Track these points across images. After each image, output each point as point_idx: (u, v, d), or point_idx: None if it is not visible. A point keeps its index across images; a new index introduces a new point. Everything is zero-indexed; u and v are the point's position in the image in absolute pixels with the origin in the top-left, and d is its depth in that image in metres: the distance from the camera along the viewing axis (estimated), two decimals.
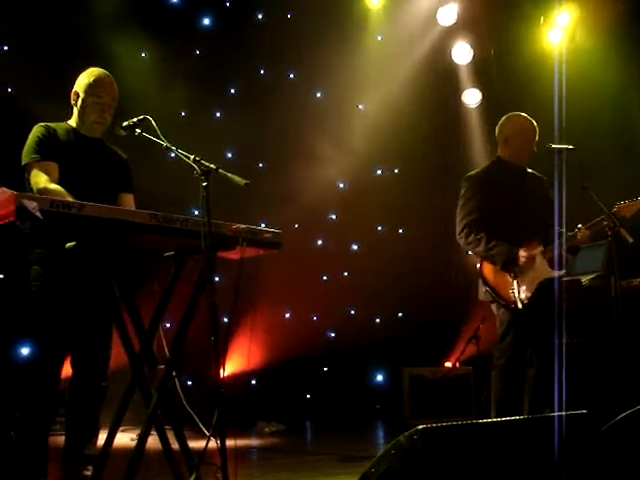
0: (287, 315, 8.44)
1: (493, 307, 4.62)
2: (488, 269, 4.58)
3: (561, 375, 4.09)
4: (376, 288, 8.50)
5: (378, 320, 8.89)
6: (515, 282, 4.44)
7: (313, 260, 8.40)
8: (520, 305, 4.38)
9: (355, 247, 8.99)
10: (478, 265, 4.65)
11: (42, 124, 3.74)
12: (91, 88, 3.78)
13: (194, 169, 3.28)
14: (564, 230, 4.53)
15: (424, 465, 2.41)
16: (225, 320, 6.92)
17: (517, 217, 4.56)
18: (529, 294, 4.42)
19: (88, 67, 3.94)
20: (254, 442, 6.25)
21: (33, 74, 6.62)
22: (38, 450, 3.49)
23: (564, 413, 2.59)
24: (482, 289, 4.60)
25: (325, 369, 8.54)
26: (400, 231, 9.12)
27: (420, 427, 2.43)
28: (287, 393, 7.87)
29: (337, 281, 8.71)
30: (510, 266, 4.47)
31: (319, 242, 8.83)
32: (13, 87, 6.93)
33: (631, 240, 4.38)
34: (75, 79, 3.90)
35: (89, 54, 6.83)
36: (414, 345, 8.14)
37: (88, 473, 3.59)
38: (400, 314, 8.90)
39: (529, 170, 4.79)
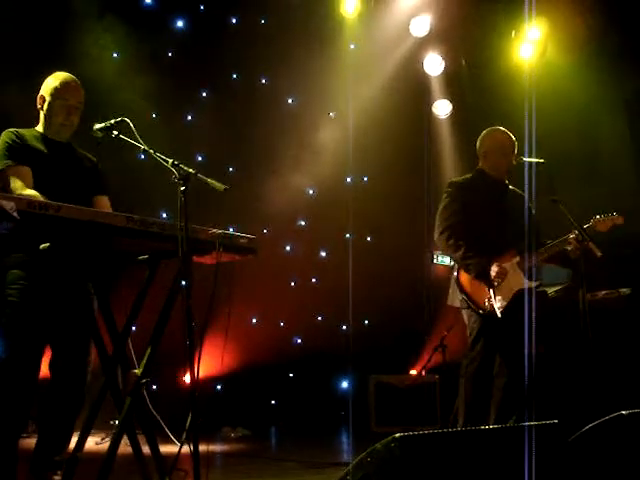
0: (254, 320, 8.40)
1: (464, 314, 4.68)
2: (464, 276, 4.66)
3: (530, 384, 4.15)
4: (343, 295, 8.48)
5: (345, 327, 8.90)
6: (491, 291, 4.50)
7: (281, 266, 8.38)
8: (499, 313, 4.45)
9: (323, 254, 9.00)
10: (455, 272, 4.72)
11: (11, 130, 3.71)
12: (57, 91, 3.76)
13: (172, 173, 3.27)
14: (550, 241, 4.61)
15: (401, 473, 2.43)
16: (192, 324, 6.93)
17: (495, 226, 4.65)
18: (504, 303, 4.49)
19: (58, 68, 3.92)
20: (220, 447, 6.21)
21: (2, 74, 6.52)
22: (8, 454, 3.43)
23: (538, 423, 2.64)
24: (456, 295, 4.68)
25: (291, 375, 8.51)
26: (368, 239, 9.15)
27: (397, 435, 2.45)
28: (252, 399, 7.84)
29: (305, 287, 8.70)
30: (482, 278, 4.55)
31: (287, 248, 8.82)
32: None
33: (600, 254, 4.47)
34: (44, 79, 3.87)
35: (59, 54, 6.76)
36: (380, 353, 8.16)
37: (57, 478, 3.54)
38: (367, 321, 8.92)
39: (510, 186, 4.89)
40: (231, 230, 6.96)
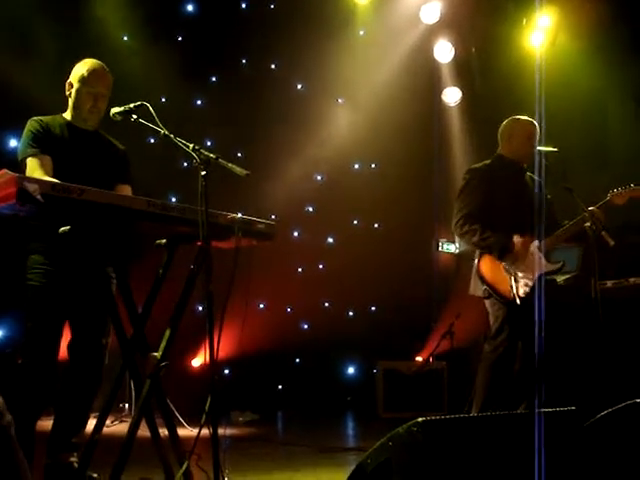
0: (261, 306, 8.43)
1: (487, 303, 4.68)
2: (486, 266, 4.66)
3: (542, 370, 4.18)
4: (350, 281, 8.55)
5: (352, 313, 8.95)
6: (512, 278, 4.52)
7: (289, 252, 8.40)
8: (518, 301, 4.47)
9: (331, 240, 9.03)
10: (476, 261, 4.73)
11: (35, 118, 3.72)
12: (85, 79, 3.77)
13: (193, 158, 3.28)
14: (566, 222, 4.61)
15: (423, 458, 2.44)
16: (199, 309, 6.96)
17: (514, 212, 4.65)
18: (527, 289, 4.50)
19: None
20: (229, 432, 6.24)
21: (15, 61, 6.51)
22: (26, 436, 3.46)
23: (559, 409, 2.66)
24: (478, 285, 4.68)
25: (297, 360, 8.56)
26: (375, 226, 9.17)
27: (420, 419, 2.46)
28: (260, 383, 7.88)
29: (312, 273, 8.73)
30: (505, 255, 4.56)
31: (295, 234, 8.84)
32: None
33: (612, 243, 4.47)
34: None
35: (70, 38, 6.75)
36: (388, 339, 8.20)
37: (74, 460, 3.58)
38: (374, 308, 8.96)
39: (528, 172, 4.91)
40: (239, 215, 7.08)
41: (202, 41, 8.07)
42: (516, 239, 4.57)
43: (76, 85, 3.77)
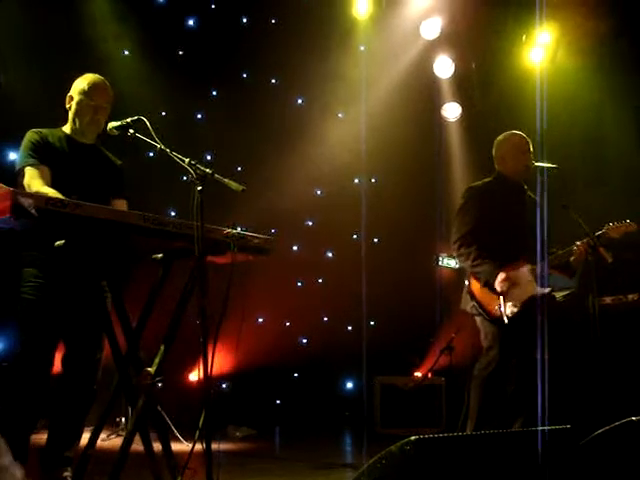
0: (260, 320, 8.41)
1: (477, 320, 4.70)
2: (475, 284, 4.69)
3: (543, 389, 4.16)
4: (350, 296, 8.52)
5: (350, 328, 8.92)
6: (501, 298, 4.51)
7: (288, 266, 8.38)
8: (506, 320, 4.46)
9: (330, 254, 9.01)
10: (466, 279, 4.76)
11: (35, 130, 3.76)
12: (85, 92, 3.82)
13: (189, 173, 3.28)
14: (555, 249, 4.62)
15: (416, 476, 2.43)
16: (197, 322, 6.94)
17: (511, 232, 4.66)
18: (515, 310, 4.49)
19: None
20: (225, 447, 6.22)
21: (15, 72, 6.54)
22: (19, 450, 3.44)
23: (552, 427, 2.64)
24: (468, 301, 4.69)
25: (296, 375, 8.53)
26: (375, 240, 9.16)
27: (413, 438, 2.45)
28: (257, 398, 7.85)
29: (311, 288, 8.72)
30: (489, 287, 4.57)
31: (294, 248, 8.83)
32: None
33: (610, 260, 4.48)
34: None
35: (72, 51, 6.78)
36: (386, 354, 8.17)
37: (68, 474, 3.56)
38: (372, 322, 8.93)
39: (528, 192, 4.92)
40: (239, 230, 7.08)
41: (203, 55, 8.09)
42: (500, 275, 4.52)
43: (76, 98, 3.82)
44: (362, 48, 8.54)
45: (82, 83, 3.84)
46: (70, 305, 3.54)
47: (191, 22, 8.26)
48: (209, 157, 8.32)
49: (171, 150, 3.46)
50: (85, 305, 3.54)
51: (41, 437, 3.74)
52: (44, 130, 3.77)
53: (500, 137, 4.95)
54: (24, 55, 6.52)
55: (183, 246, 3.31)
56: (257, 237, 3.59)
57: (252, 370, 7.79)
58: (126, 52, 7.70)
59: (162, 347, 3.39)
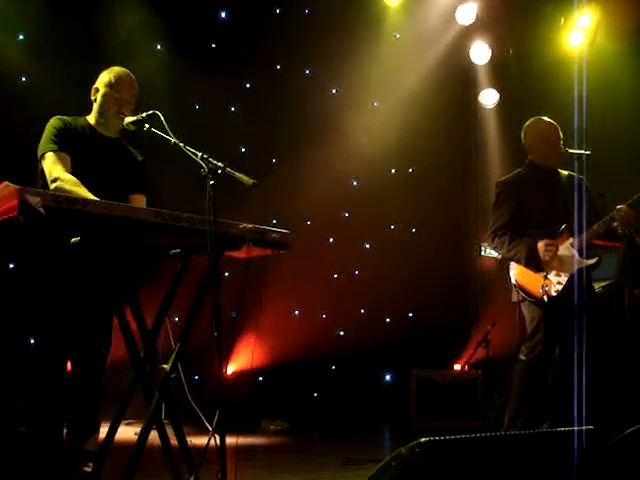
0: (296, 312, 8.38)
1: (523, 307, 4.65)
2: (516, 270, 4.66)
3: (581, 381, 4.05)
4: (387, 287, 8.45)
5: (388, 320, 8.83)
6: (543, 278, 4.42)
7: (324, 257, 8.34)
8: (546, 299, 4.41)
9: (367, 246, 8.92)
10: (508, 268, 4.72)
11: (59, 116, 3.76)
12: (111, 85, 3.81)
13: (201, 167, 3.24)
14: (596, 225, 4.50)
15: (426, 478, 2.36)
16: (233, 315, 6.95)
17: (547, 217, 4.64)
18: (560, 287, 4.44)
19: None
20: (257, 440, 6.21)
21: (46, 65, 6.60)
22: (53, 440, 3.47)
23: (569, 429, 2.54)
24: (514, 291, 4.62)
25: (333, 368, 8.47)
26: (413, 231, 9.05)
27: (422, 440, 2.38)
28: (294, 391, 7.82)
29: (348, 280, 8.65)
30: (532, 259, 4.52)
31: (331, 239, 8.76)
32: (28, 77, 6.88)
33: None
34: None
35: (103, 45, 6.82)
36: (423, 346, 8.07)
37: (88, 469, 3.56)
38: (410, 314, 8.83)
39: (564, 172, 4.83)
40: (274, 222, 7.04)
41: (235, 47, 8.05)
42: (540, 243, 4.51)
43: (102, 90, 3.81)
44: (397, 36, 8.43)
45: (108, 75, 3.83)
46: (81, 299, 3.52)
47: (223, 14, 8.22)
48: (243, 149, 8.30)
49: (185, 145, 3.39)
50: (94, 300, 3.52)
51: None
52: (68, 117, 3.76)
53: (526, 125, 4.87)
54: (53, 50, 6.57)
55: (198, 242, 3.26)
56: (274, 231, 3.52)
57: (289, 363, 7.77)
58: (158, 47, 7.71)
59: (177, 344, 3.36)
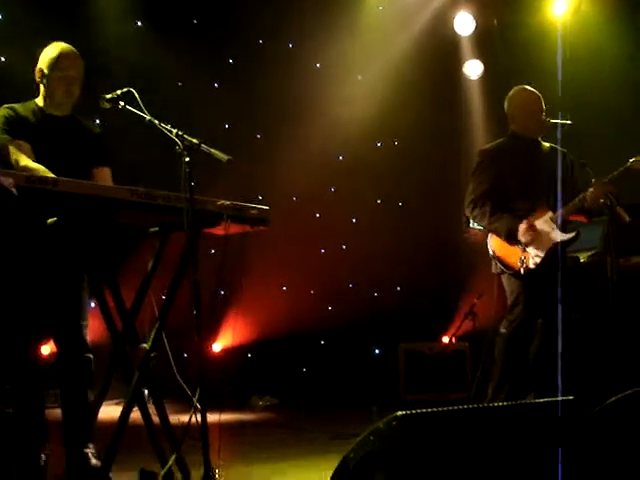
0: (284, 288, 8.37)
1: (503, 279, 4.64)
2: (494, 241, 4.65)
3: (565, 350, 4.06)
4: (375, 262, 8.44)
5: (376, 294, 8.84)
6: (521, 250, 4.42)
7: (311, 233, 8.32)
8: (522, 272, 4.41)
9: (354, 220, 8.89)
10: (487, 239, 4.70)
11: (6, 106, 3.63)
12: (55, 63, 3.65)
13: (176, 144, 3.21)
14: (572, 203, 4.48)
15: (403, 451, 2.37)
16: (221, 293, 6.94)
17: (526, 187, 4.61)
18: (538, 260, 4.43)
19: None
20: (246, 417, 6.23)
21: (25, 45, 6.50)
22: (35, 422, 3.44)
23: (543, 400, 2.54)
24: (493, 262, 4.62)
25: (322, 342, 8.49)
26: (400, 204, 9.03)
27: (399, 413, 2.39)
28: (283, 367, 7.83)
29: (335, 255, 8.63)
30: (511, 238, 4.52)
31: (317, 215, 8.72)
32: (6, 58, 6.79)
33: (628, 219, 4.34)
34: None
35: (82, 25, 6.71)
36: (411, 319, 8.09)
37: (89, 450, 3.50)
38: (399, 288, 8.84)
39: (545, 143, 4.80)
40: (260, 198, 7.01)
41: (217, 23, 7.95)
42: (522, 225, 4.49)
43: (46, 71, 3.66)
44: (380, 8, 8.34)
45: (51, 53, 3.68)
46: (56, 280, 3.46)
47: None
48: (227, 126, 8.23)
49: (160, 122, 3.35)
50: (69, 280, 3.48)
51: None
52: (16, 105, 3.65)
53: (509, 94, 4.84)
54: (31, 30, 6.46)
55: (176, 220, 3.24)
56: (253, 207, 3.50)
57: (277, 339, 7.78)
58: (139, 23, 7.61)
59: (157, 323, 3.35)
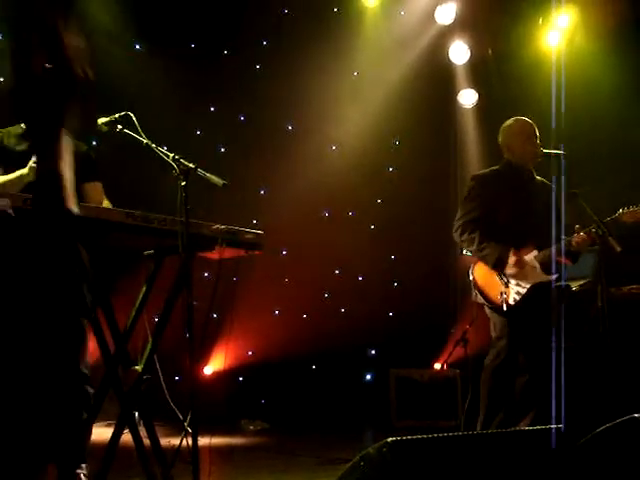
0: (276, 312, 8.36)
1: (487, 310, 4.63)
2: (478, 272, 4.63)
3: (558, 380, 4.06)
4: (366, 287, 8.45)
5: (368, 320, 8.83)
6: (504, 285, 4.42)
7: (303, 256, 8.32)
8: (505, 307, 4.37)
9: (347, 245, 8.88)
10: (471, 266, 4.67)
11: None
12: None
13: (173, 168, 3.24)
14: (563, 237, 4.49)
15: (393, 478, 2.37)
16: (214, 316, 6.93)
17: (516, 219, 4.59)
18: (517, 298, 4.41)
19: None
20: (237, 440, 6.21)
21: None
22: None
23: (534, 428, 2.55)
24: (473, 291, 4.62)
25: (313, 367, 8.46)
26: (393, 230, 9.04)
27: (389, 439, 2.39)
28: (274, 391, 7.80)
29: (328, 279, 8.62)
30: (500, 267, 4.49)
31: (309, 238, 8.70)
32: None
33: (619, 249, 4.34)
34: None
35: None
36: (403, 346, 8.08)
37: (81, 471, 3.50)
38: (390, 314, 8.84)
39: (538, 177, 4.81)
40: (254, 222, 7.02)
41: (216, 45, 8.01)
42: (511, 254, 4.48)
43: None
44: (376, 35, 8.40)
45: None
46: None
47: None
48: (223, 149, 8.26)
49: (157, 146, 3.39)
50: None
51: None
52: (3, 130, 3.69)
53: (505, 124, 4.86)
54: None
55: (172, 242, 3.26)
56: (248, 232, 3.53)
57: (269, 363, 7.76)
58: (137, 47, 7.65)
59: (149, 345, 3.35)
